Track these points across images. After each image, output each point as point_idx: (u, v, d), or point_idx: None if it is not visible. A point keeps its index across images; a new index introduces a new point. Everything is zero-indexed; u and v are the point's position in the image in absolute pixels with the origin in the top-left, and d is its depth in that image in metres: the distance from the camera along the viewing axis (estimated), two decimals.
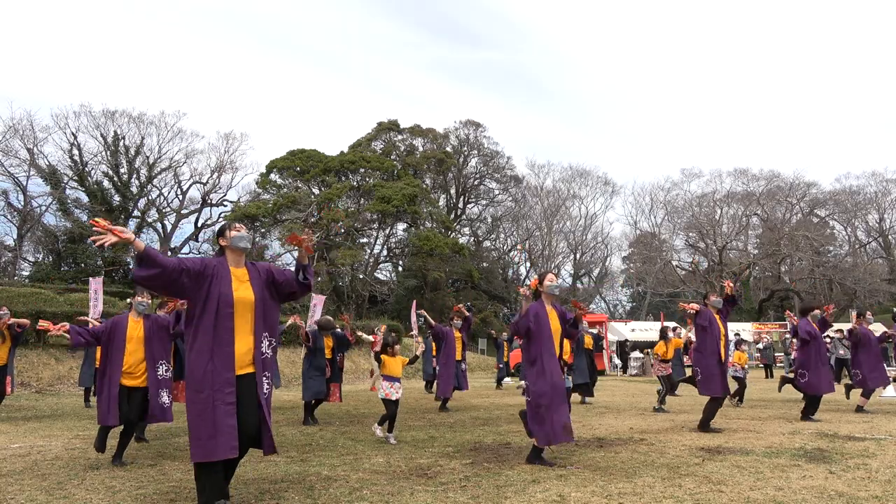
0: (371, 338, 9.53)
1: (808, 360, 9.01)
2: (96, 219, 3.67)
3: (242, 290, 4.02)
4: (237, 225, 4.21)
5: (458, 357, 11.23)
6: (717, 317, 7.76)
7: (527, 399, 5.68)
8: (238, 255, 4.15)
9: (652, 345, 12.74)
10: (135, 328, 5.82)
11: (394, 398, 6.90)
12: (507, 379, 18.70)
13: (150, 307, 5.98)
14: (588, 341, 12.76)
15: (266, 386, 4.03)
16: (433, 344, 13.16)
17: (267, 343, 4.07)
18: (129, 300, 6.02)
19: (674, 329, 17.42)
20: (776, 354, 24.85)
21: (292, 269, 4.28)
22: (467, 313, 11.39)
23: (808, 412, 8.82)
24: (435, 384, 13.04)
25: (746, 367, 12.05)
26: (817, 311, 9.38)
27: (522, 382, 8.38)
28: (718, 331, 7.67)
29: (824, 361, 9.19)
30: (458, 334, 11.33)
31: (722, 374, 7.57)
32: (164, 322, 6.03)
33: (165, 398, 5.90)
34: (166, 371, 5.95)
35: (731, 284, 8.06)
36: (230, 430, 3.79)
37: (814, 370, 8.92)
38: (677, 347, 11.42)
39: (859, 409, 9.70)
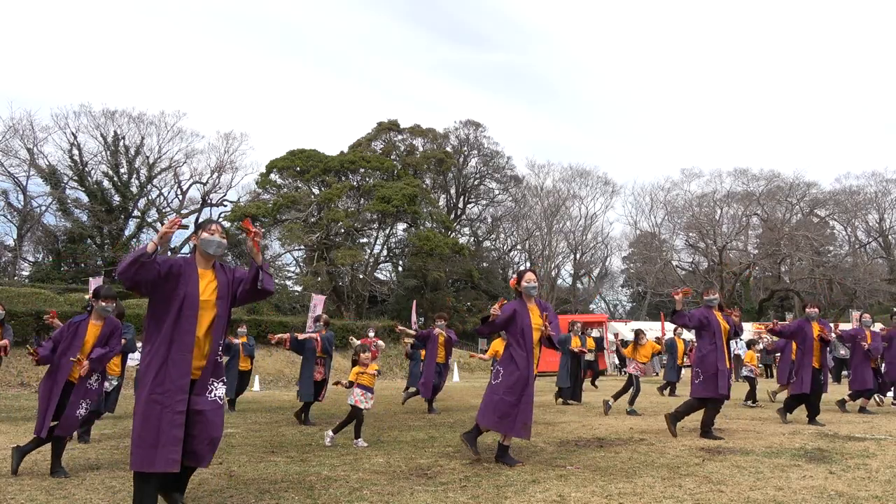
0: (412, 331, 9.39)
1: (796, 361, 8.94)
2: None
3: (208, 292, 3.86)
4: (213, 226, 3.99)
5: (441, 360, 10.64)
6: (717, 314, 7.40)
7: (492, 384, 5.73)
8: (208, 258, 3.96)
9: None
10: (94, 332, 5.41)
11: (362, 406, 6.72)
12: None
13: (113, 311, 5.62)
14: (575, 343, 12.65)
15: (219, 390, 3.87)
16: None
17: (222, 348, 3.94)
18: (88, 299, 5.49)
19: (674, 331, 17.37)
20: (776, 355, 24.80)
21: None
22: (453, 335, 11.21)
23: (786, 410, 8.64)
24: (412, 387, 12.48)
25: (757, 367, 12.00)
26: (813, 311, 8.97)
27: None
28: (718, 329, 7.28)
29: (808, 362, 8.68)
30: (441, 337, 10.71)
31: (719, 373, 7.09)
32: (118, 328, 5.66)
33: (83, 410, 5.32)
34: (96, 381, 5.48)
35: (736, 316, 7.72)
36: (174, 442, 3.58)
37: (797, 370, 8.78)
38: (655, 351, 11.23)
39: (862, 410, 9.76)
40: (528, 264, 47.01)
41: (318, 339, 9.19)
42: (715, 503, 4.11)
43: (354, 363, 6.84)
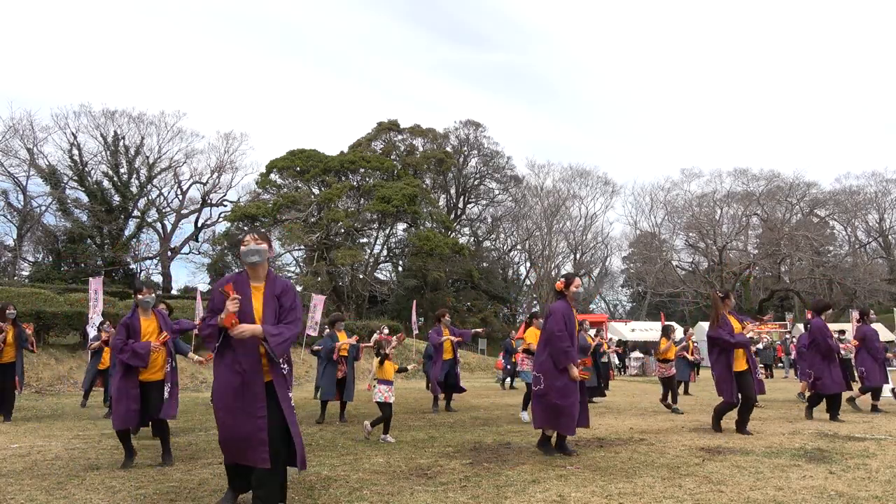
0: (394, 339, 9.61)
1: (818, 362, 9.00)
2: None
3: (260, 307, 3.93)
4: (246, 237, 4.01)
5: (449, 356, 10.74)
6: (730, 318, 7.42)
7: (540, 390, 5.89)
8: (255, 269, 3.98)
9: (651, 344, 12.67)
10: (148, 324, 5.82)
11: (391, 401, 7.04)
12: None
13: (154, 300, 6.01)
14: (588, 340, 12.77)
15: (289, 395, 4.07)
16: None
17: (284, 358, 4.04)
18: (134, 297, 6.00)
19: (685, 332, 17.37)
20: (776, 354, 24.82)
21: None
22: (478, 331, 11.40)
23: (833, 412, 8.80)
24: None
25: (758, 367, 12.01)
26: (831, 312, 9.32)
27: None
28: (732, 332, 7.30)
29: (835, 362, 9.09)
30: (446, 333, 10.86)
31: (731, 378, 7.21)
32: (165, 315, 6.09)
33: (166, 392, 5.81)
34: (172, 366, 5.95)
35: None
36: (262, 444, 3.81)
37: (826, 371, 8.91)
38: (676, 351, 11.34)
39: (874, 409, 9.75)
40: (529, 264, 47.06)
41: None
42: (715, 503, 4.11)
43: (380, 357, 7.12)
